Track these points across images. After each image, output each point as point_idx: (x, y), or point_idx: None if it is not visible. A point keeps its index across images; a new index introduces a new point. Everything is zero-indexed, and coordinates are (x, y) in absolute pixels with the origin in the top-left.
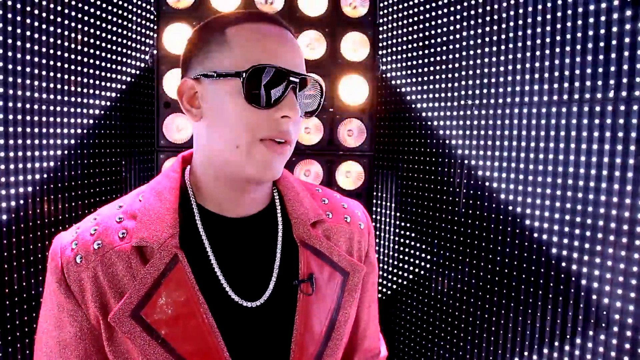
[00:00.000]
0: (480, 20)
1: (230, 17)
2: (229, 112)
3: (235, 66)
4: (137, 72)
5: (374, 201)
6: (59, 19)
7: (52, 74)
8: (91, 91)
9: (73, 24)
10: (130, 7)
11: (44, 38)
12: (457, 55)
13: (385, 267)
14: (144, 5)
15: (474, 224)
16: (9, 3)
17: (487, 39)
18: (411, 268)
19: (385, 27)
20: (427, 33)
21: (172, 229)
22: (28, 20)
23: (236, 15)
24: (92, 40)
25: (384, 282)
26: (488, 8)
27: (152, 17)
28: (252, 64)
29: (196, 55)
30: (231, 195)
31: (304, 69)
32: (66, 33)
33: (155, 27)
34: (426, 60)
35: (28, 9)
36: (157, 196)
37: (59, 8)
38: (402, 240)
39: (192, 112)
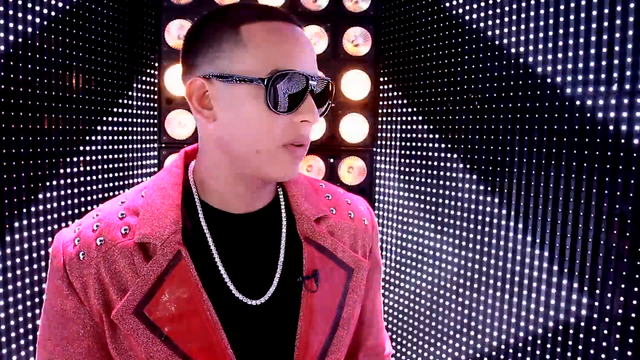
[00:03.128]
0: (482, 14)
1: (242, 13)
2: (248, 117)
3: (255, 70)
4: (139, 68)
5: (376, 196)
6: (60, 16)
7: (53, 71)
8: (92, 88)
9: (74, 20)
10: (131, 2)
11: (45, 35)
12: (459, 50)
13: (388, 262)
14: (145, 0)
15: (477, 219)
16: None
17: (489, 33)
18: (414, 263)
19: (387, 22)
20: (429, 27)
21: (175, 225)
22: (29, 17)
23: (249, 10)
24: (93, 37)
25: (386, 278)
26: (490, 1)
27: (153, 12)
28: (272, 67)
29: (205, 51)
30: (236, 192)
31: (317, 70)
32: (67, 29)
33: (157, 23)
34: (429, 55)
35: (29, 5)
36: (160, 192)
37: (60, 5)
38: (404, 235)
39: (203, 114)
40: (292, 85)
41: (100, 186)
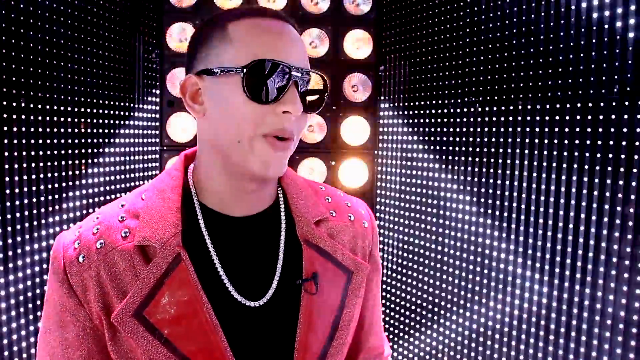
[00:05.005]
0: (483, 17)
1: (232, 13)
2: (231, 108)
3: (236, 61)
4: (141, 71)
5: (377, 199)
6: (62, 19)
7: (55, 73)
8: (95, 90)
9: (76, 24)
10: (133, 6)
11: (47, 38)
12: (460, 52)
13: (389, 265)
14: (146, 4)
15: (478, 222)
16: (12, 3)
17: (490, 35)
18: (415, 266)
19: (388, 24)
20: (430, 30)
21: (175, 228)
22: (31, 20)
23: (238, 10)
24: (95, 40)
25: (387, 280)
26: (492, 4)
27: (155, 15)
28: (252, 58)
29: (199, 51)
30: (233, 193)
31: (307, 65)
32: (69, 33)
33: (159, 26)
34: (429, 57)
35: (31, 8)
36: (159, 195)
37: (62, 7)
38: (405, 238)
39: (194, 109)
40: (272, 75)
41: (101, 188)
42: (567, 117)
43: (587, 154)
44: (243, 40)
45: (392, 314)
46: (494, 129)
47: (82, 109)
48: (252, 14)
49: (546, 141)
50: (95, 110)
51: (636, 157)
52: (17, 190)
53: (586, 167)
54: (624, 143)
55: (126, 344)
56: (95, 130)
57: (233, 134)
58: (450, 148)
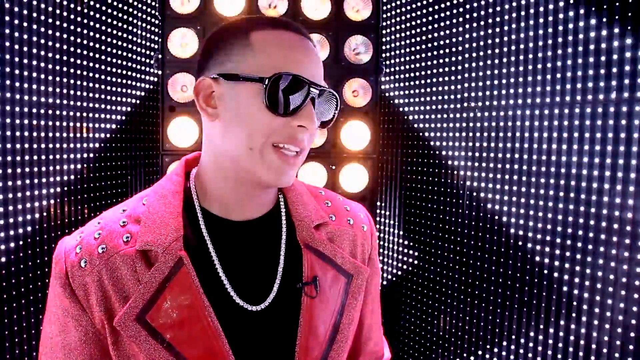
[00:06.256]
0: (482, 23)
1: (254, 21)
2: (247, 115)
3: (258, 71)
4: (142, 76)
5: (378, 203)
6: (64, 25)
7: (57, 79)
8: (97, 96)
9: (79, 30)
10: (135, 12)
11: (50, 44)
12: (459, 58)
13: (388, 269)
14: (148, 10)
15: (477, 226)
16: (16, 9)
17: (489, 42)
18: (415, 270)
19: (388, 30)
20: (430, 36)
21: (177, 233)
22: (35, 27)
23: (261, 20)
24: (97, 45)
25: (387, 285)
26: (490, 10)
27: (156, 21)
28: (275, 70)
29: (216, 55)
30: (238, 198)
31: (323, 81)
32: (72, 38)
33: (160, 32)
34: (429, 63)
35: (34, 15)
36: (161, 200)
37: (64, 14)
38: (405, 242)
39: (207, 112)
40: (292, 89)
41: (103, 193)
42: (566, 122)
43: (585, 159)
44: (266, 51)
45: (391, 317)
46: (492, 134)
47: (84, 113)
48: (276, 25)
49: (544, 147)
50: (97, 115)
51: (634, 162)
52: (19, 195)
53: (584, 172)
54: (621, 148)
55: (129, 349)
56: (97, 135)
57: (245, 141)
58: (450, 153)
